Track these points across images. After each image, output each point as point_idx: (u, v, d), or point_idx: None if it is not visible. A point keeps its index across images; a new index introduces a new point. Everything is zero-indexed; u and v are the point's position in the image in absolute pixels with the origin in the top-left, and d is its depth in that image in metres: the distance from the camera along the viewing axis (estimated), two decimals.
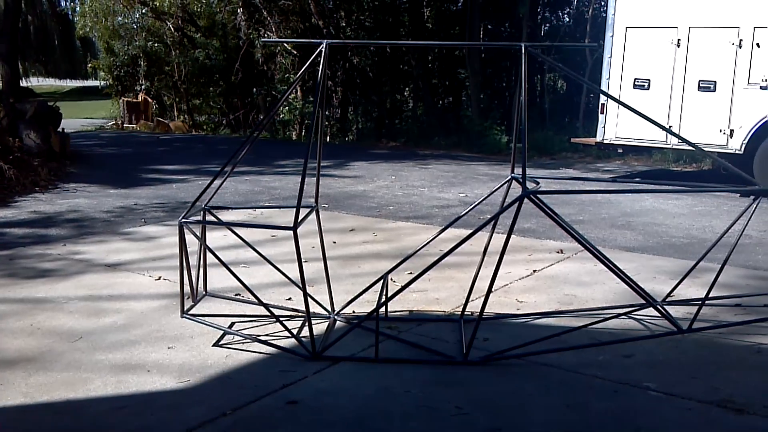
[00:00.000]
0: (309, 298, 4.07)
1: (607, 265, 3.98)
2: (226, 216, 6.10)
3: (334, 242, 5.88)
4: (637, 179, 10.10)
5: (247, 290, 3.66)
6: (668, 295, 4.18)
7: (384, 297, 3.95)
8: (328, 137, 16.22)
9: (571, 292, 4.57)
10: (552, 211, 3.49)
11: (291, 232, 3.33)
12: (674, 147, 9.42)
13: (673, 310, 4.08)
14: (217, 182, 3.87)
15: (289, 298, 4.37)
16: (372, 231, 6.36)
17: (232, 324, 3.93)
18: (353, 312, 4.17)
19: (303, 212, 3.52)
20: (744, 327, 3.83)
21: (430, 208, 7.55)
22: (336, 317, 4.05)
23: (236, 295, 4.45)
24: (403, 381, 3.24)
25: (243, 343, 3.66)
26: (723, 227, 6.62)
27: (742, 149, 8.60)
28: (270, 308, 3.93)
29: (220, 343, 3.66)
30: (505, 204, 3.41)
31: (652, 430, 2.82)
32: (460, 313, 4.08)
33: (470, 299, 4.07)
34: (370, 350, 3.51)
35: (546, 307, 4.30)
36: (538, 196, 3.38)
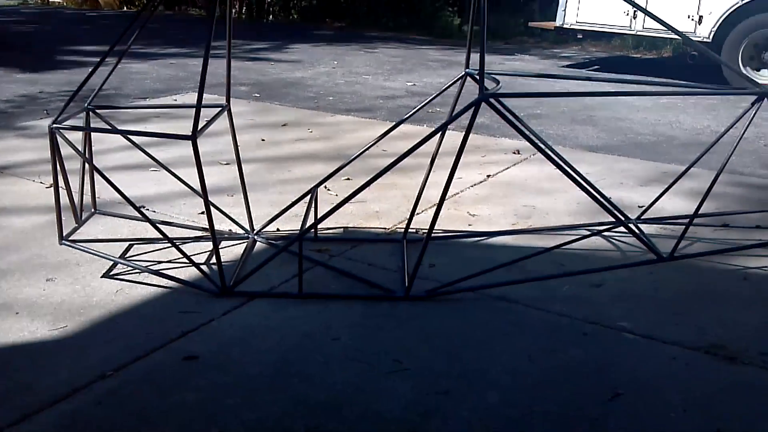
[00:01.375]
0: (223, 216, 3.44)
1: (571, 177, 3.41)
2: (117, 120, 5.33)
3: (263, 140, 5.18)
4: (596, 67, 9.48)
5: (129, 203, 2.98)
6: (644, 212, 3.62)
7: (313, 216, 3.33)
8: (270, 16, 15.05)
9: (530, 203, 4.00)
10: (512, 114, 2.86)
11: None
12: (637, 33, 8.75)
13: (647, 227, 3.56)
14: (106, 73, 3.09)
15: (202, 212, 3.70)
16: (307, 126, 5.65)
17: (130, 247, 3.26)
18: (278, 230, 3.54)
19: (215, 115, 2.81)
20: (727, 236, 3.34)
21: (374, 99, 6.83)
22: (256, 237, 3.41)
23: (142, 207, 3.77)
24: (331, 324, 2.66)
25: (140, 273, 3.02)
26: (691, 123, 6.11)
27: (711, 37, 8.01)
28: (172, 226, 3.30)
29: (111, 274, 3.01)
30: (461, 109, 2.75)
31: (630, 389, 2.31)
32: (402, 231, 3.48)
33: (416, 212, 3.46)
34: (294, 282, 2.90)
35: (502, 222, 3.74)
36: (498, 99, 2.73)
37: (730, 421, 2.15)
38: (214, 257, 3.12)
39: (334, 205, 2.92)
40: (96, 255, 3.03)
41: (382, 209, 3.87)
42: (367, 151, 4.89)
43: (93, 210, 3.39)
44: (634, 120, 6.18)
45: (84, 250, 3.03)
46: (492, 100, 2.70)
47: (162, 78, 7.53)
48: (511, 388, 2.30)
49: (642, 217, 3.57)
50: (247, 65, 8.58)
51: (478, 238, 3.50)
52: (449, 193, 4.06)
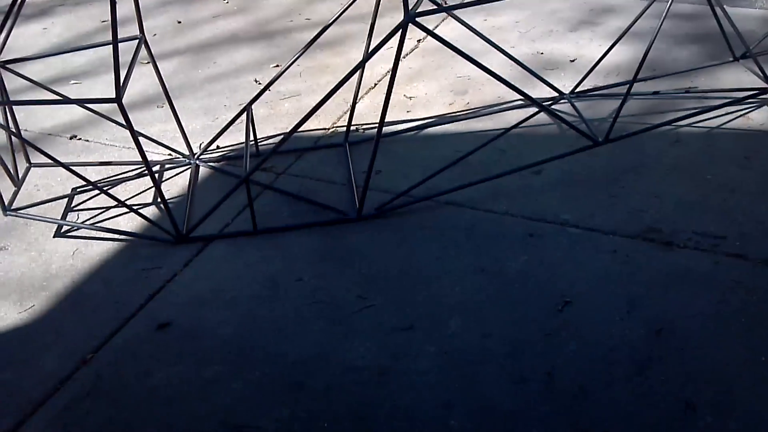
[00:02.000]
0: (157, 145, 3.38)
1: (502, 51, 3.41)
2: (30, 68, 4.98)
3: (179, 22, 4.92)
4: None
5: (33, 147, 2.91)
6: (577, 86, 3.63)
7: (252, 137, 3.31)
8: None
9: (464, 72, 3.98)
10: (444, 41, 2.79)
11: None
12: None
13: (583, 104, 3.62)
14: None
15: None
16: None
17: (74, 192, 3.22)
18: (218, 147, 3.50)
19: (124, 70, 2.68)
20: (661, 113, 3.44)
21: None
22: (198, 162, 3.38)
23: (74, 137, 3.67)
24: (291, 263, 2.75)
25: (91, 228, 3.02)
26: None
27: None
28: (111, 165, 3.26)
29: (62, 232, 3.01)
30: (385, 37, 2.67)
31: (578, 295, 2.49)
32: (343, 133, 3.48)
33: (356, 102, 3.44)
34: (247, 214, 2.93)
35: (439, 101, 3.74)
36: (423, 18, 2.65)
37: (671, 319, 2.37)
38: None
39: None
40: (43, 221, 3.00)
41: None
42: (291, 23, 4.76)
43: (27, 164, 3.29)
44: None
45: (30, 218, 2.99)
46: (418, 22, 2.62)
47: None
48: (469, 311, 2.47)
49: (577, 91, 3.58)
50: None
51: (417, 131, 3.52)
52: (382, 72, 4.05)
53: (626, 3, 4.63)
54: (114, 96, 2.55)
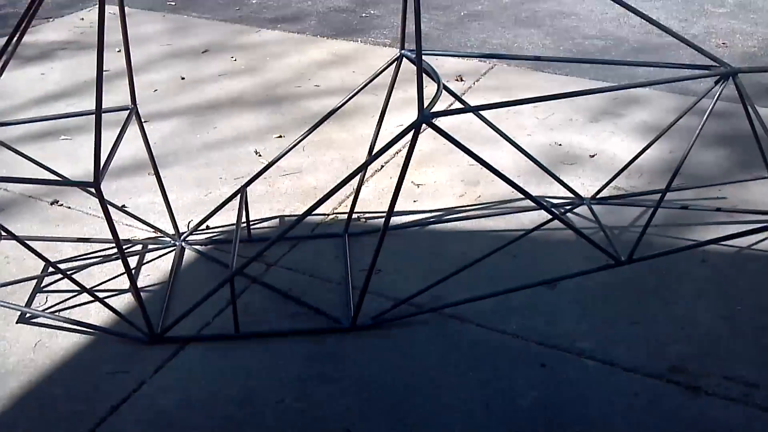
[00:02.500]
0: (143, 224, 3.12)
1: (526, 155, 3.17)
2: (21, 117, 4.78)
3: (183, 78, 4.71)
4: None
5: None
6: (599, 191, 3.36)
7: (244, 218, 3.06)
8: None
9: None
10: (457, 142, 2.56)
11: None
12: None
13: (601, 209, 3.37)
14: None
15: (123, 207, 3.37)
16: (230, 52, 5.14)
17: (45, 274, 2.95)
18: (207, 227, 3.24)
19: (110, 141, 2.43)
20: (688, 227, 3.19)
21: (301, 0, 6.24)
22: (184, 244, 3.12)
23: (54, 202, 3.42)
24: (274, 377, 2.46)
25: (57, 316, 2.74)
26: (637, 18, 5.72)
27: None
28: (88, 242, 3.00)
29: (27, 317, 2.73)
30: (397, 135, 2.42)
31: None
32: (343, 220, 3.22)
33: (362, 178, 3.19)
34: (230, 314, 2.65)
35: (449, 192, 3.50)
36: (438, 121, 2.41)
37: None
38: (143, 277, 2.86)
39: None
40: (4, 306, 2.72)
41: (319, 183, 3.57)
42: (299, 89, 4.54)
43: None
44: (581, 15, 5.79)
45: None
46: (433, 123, 2.37)
47: None
48: None
49: (597, 196, 3.32)
50: None
51: (421, 227, 3.25)
52: (390, 152, 3.81)
53: (651, 94, 4.41)
54: (92, 180, 2.29)
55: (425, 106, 2.33)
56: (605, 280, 2.84)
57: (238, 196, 3.08)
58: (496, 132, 3.10)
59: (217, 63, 4.94)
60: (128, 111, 2.82)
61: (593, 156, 3.77)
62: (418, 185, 3.55)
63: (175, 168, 3.66)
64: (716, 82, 2.70)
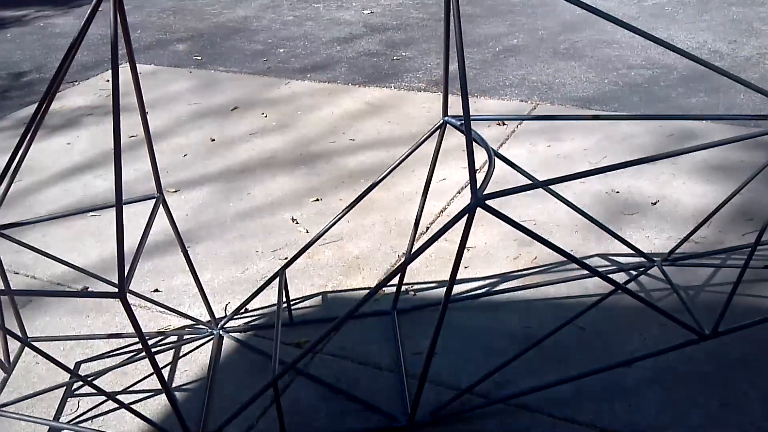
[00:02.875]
0: (176, 313, 2.92)
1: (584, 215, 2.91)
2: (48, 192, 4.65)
3: (212, 140, 4.53)
4: None
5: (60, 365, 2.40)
6: (672, 252, 3.06)
7: (286, 302, 2.84)
8: None
9: (529, 215, 3.49)
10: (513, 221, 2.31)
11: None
12: None
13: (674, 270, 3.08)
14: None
15: (156, 290, 3.17)
16: (260, 107, 4.97)
17: (73, 380, 2.74)
18: (246, 310, 3.03)
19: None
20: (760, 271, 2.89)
21: (330, 46, 6.07)
22: (222, 332, 2.90)
23: (85, 290, 3.24)
24: None
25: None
26: (685, 39, 5.44)
27: None
28: (120, 338, 2.81)
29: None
30: (452, 219, 2.18)
31: None
32: (390, 294, 2.98)
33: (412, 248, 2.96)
34: (275, 414, 2.42)
35: (501, 255, 3.24)
36: (492, 199, 2.16)
37: None
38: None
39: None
40: (33, 421, 2.51)
41: (362, 252, 3.34)
42: (333, 144, 4.33)
43: (23, 340, 2.83)
44: (622, 42, 5.53)
45: (18, 418, 2.51)
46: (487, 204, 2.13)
47: (91, 41, 6.64)
48: None
49: (671, 258, 3.02)
50: (181, 3, 7.68)
51: (474, 299, 3.00)
52: (434, 210, 3.57)
53: (708, 127, 4.12)
54: (117, 290, 2.08)
55: (478, 186, 2.08)
56: (685, 353, 2.55)
57: (278, 277, 2.86)
58: (552, 195, 2.84)
59: (248, 120, 4.77)
60: (154, 200, 2.62)
61: (655, 203, 3.49)
62: (467, 248, 3.30)
63: (208, 243, 3.47)
64: None
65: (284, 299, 2.85)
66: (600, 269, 3.03)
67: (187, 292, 3.15)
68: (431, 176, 2.76)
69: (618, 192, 3.61)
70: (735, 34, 5.41)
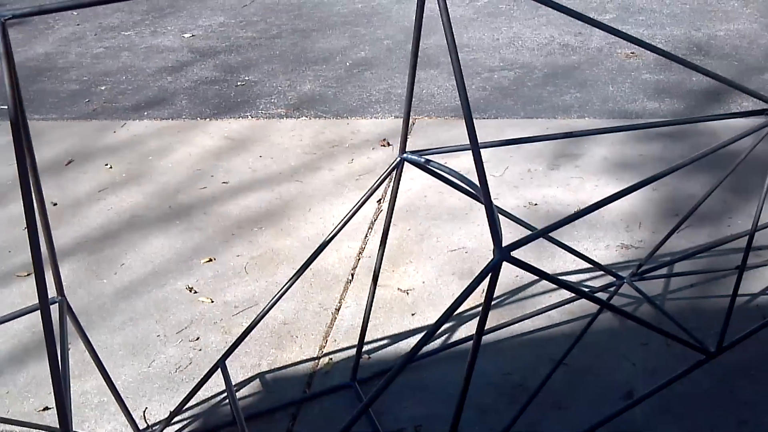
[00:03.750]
0: None
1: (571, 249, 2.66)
2: None
3: (55, 204, 3.79)
4: None
5: None
6: (640, 267, 2.85)
7: (230, 398, 2.33)
8: None
9: (456, 243, 3.19)
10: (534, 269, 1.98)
11: None
12: None
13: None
14: None
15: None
16: (101, 157, 4.24)
17: None
18: (170, 413, 2.46)
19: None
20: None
21: (158, 77, 5.41)
22: None
23: None
24: None
25: None
26: (531, 36, 5.41)
27: None
28: None
29: None
30: (477, 276, 1.79)
31: None
32: (340, 362, 2.55)
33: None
34: None
35: (444, 289, 2.91)
36: (517, 249, 1.81)
37: None
38: None
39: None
40: None
41: (287, 315, 2.86)
42: (205, 190, 3.83)
43: None
44: (472, 45, 5.42)
45: None
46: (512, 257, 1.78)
47: None
48: None
49: (640, 272, 2.82)
50: None
51: (448, 349, 2.64)
52: (352, 253, 3.17)
53: (593, 125, 4.07)
54: None
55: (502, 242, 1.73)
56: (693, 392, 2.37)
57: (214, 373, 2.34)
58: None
59: (89, 175, 4.06)
60: (55, 303, 2.00)
61: (578, 209, 3.32)
62: (406, 291, 2.94)
63: (95, 333, 2.82)
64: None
65: (230, 395, 2.33)
66: (558, 290, 2.81)
67: (87, 402, 2.51)
68: (389, 224, 2.36)
69: (536, 204, 3.42)
70: (577, 27, 5.48)
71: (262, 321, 2.82)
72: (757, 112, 2.27)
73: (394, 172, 2.27)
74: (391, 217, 2.36)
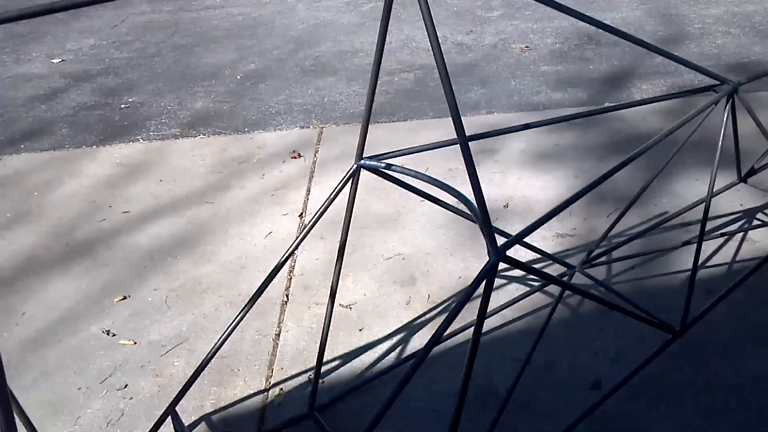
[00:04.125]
0: None
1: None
2: None
3: None
4: None
5: None
6: (590, 256, 2.77)
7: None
8: None
9: (391, 250, 3.04)
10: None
11: None
12: None
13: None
14: None
15: None
16: None
17: None
18: None
19: None
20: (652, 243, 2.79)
21: (30, 106, 4.96)
22: None
23: None
24: None
25: None
26: (422, 36, 5.34)
27: None
28: None
29: None
30: (475, 279, 1.63)
31: None
32: (291, 391, 2.33)
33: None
34: None
35: (390, 302, 2.75)
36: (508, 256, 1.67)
37: None
38: None
39: None
40: None
41: (222, 349, 2.61)
42: (104, 222, 3.52)
43: None
44: (365, 50, 5.30)
45: None
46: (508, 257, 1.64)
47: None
48: None
49: (590, 259, 2.74)
50: None
51: (398, 367, 2.48)
52: (282, 273, 2.95)
53: (498, 118, 4.04)
54: None
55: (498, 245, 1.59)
56: (647, 350, 2.31)
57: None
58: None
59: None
60: None
61: (507, 206, 3.26)
62: (349, 306, 2.76)
63: (14, 391, 2.47)
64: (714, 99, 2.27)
65: None
66: (516, 286, 2.71)
67: None
68: (345, 238, 2.18)
69: None
70: (467, 25, 5.47)
71: (193, 357, 2.59)
72: (706, 88, 2.25)
73: (351, 180, 2.09)
74: (348, 228, 2.18)
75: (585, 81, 4.41)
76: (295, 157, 3.85)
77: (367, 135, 3.80)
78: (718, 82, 2.23)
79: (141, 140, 4.27)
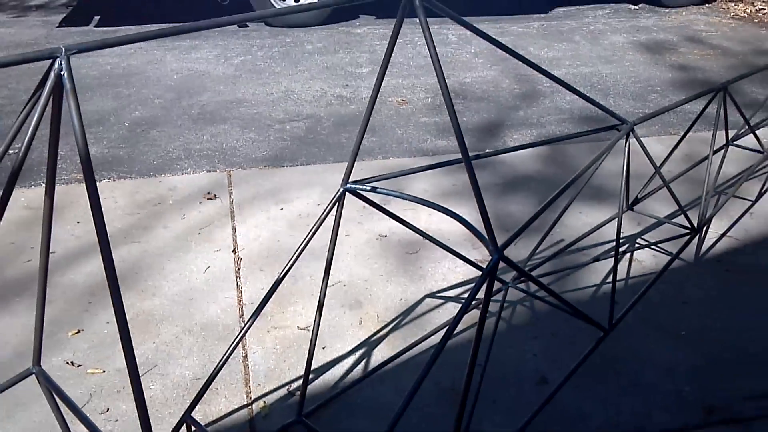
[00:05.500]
0: None
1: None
2: None
3: None
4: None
5: None
6: (521, 275, 3.22)
7: None
8: None
9: (327, 276, 3.32)
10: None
11: None
12: None
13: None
14: None
15: None
16: None
17: None
18: None
19: None
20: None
21: None
22: None
23: None
24: None
25: None
26: (302, 88, 5.70)
27: None
28: None
29: None
30: (479, 279, 2.00)
31: None
32: (276, 402, 2.55)
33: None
34: None
35: (344, 324, 3.04)
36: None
37: None
38: None
39: None
40: None
41: (194, 371, 2.77)
42: (31, 263, 3.53)
43: None
44: (249, 99, 5.55)
45: None
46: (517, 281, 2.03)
47: None
48: None
49: (530, 263, 3.22)
50: None
51: (370, 375, 2.76)
52: (233, 303, 3.14)
53: (406, 163, 4.46)
54: None
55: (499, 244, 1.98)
56: (581, 347, 2.79)
57: None
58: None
59: None
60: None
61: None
62: (306, 329, 3.01)
63: None
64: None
65: None
66: (445, 303, 3.09)
67: None
68: (331, 257, 2.47)
69: (386, 236, 3.68)
70: (341, 79, 5.90)
71: (167, 381, 2.73)
72: (610, 127, 2.80)
73: (336, 205, 2.38)
74: (333, 249, 2.47)
75: (463, 131, 4.96)
76: (210, 198, 4.03)
77: (275, 177, 4.10)
78: (619, 122, 2.78)
79: (42, 185, 4.23)
